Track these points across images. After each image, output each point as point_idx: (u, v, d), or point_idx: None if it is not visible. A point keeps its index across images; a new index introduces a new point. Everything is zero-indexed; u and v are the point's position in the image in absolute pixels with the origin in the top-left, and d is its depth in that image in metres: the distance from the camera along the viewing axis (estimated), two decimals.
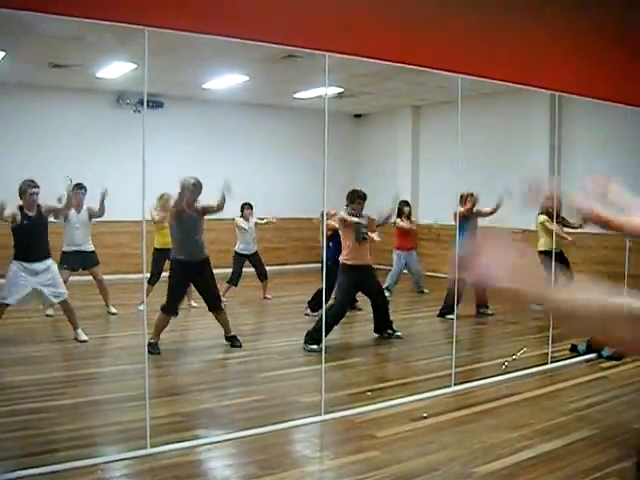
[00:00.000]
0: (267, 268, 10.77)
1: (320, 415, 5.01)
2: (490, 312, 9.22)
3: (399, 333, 7.82)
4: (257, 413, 5.10)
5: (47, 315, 8.51)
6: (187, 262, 6.95)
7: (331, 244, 8.40)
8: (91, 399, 5.37)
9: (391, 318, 7.85)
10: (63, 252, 8.76)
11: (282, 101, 13.66)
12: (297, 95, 12.82)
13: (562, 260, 9.10)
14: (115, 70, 10.12)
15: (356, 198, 7.58)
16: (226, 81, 11.33)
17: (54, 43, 8.48)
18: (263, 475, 3.95)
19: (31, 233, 7.08)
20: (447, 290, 8.95)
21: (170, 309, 6.97)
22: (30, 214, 7.07)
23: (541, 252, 9.21)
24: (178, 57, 9.09)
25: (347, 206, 7.61)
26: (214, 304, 7.26)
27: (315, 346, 6.97)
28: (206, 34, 4.38)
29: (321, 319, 7.05)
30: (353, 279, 7.43)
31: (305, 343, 7.18)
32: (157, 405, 5.01)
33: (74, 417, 4.90)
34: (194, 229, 7.03)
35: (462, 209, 8.83)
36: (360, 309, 9.08)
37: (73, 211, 8.73)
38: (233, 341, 7.36)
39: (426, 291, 11.44)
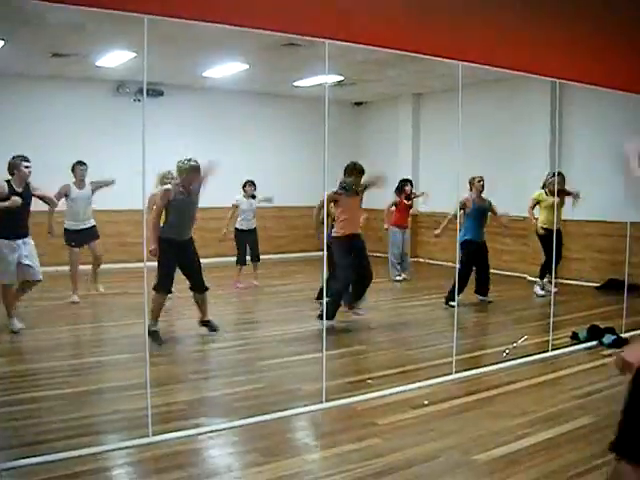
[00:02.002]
0: (268, 256, 10.82)
1: (321, 403, 5.02)
2: (490, 300, 9.20)
3: (362, 312, 7.87)
4: (258, 401, 5.11)
5: (73, 302, 8.85)
6: (175, 241, 6.89)
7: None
8: (92, 388, 5.38)
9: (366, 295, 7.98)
10: (66, 229, 8.89)
11: (282, 89, 13.62)
12: (297, 83, 12.78)
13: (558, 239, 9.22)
14: (115, 59, 10.08)
15: (354, 172, 7.57)
16: (226, 69, 11.29)
17: (54, 32, 8.45)
18: (264, 463, 3.96)
19: (15, 209, 6.89)
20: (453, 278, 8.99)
21: (163, 287, 6.88)
22: (18, 190, 6.99)
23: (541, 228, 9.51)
24: (178, 45, 9.05)
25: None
26: (198, 285, 7.19)
27: (332, 322, 7.44)
28: (206, 22, 4.36)
29: (332, 293, 7.46)
30: (347, 247, 7.54)
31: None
32: (158, 393, 5.02)
33: (75, 406, 4.91)
34: (189, 211, 7.05)
35: (468, 197, 8.92)
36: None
37: (75, 188, 8.85)
38: (209, 326, 7.35)
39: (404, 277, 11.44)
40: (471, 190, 9.08)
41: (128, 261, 10.89)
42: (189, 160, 7.04)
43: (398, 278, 11.25)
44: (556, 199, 8.55)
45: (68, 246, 8.92)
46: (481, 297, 9.24)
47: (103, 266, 9.52)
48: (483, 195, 9.14)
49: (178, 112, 12.88)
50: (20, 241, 7.06)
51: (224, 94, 13.21)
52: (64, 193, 8.78)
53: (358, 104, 15.94)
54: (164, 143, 11.75)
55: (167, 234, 6.90)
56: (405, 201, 11.40)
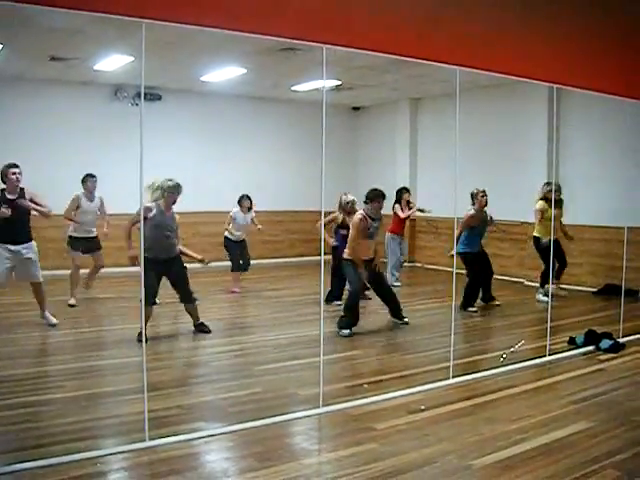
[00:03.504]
0: (265, 261, 10.81)
1: (318, 408, 5.01)
2: (498, 303, 9.35)
3: (406, 319, 8.16)
4: (255, 406, 5.10)
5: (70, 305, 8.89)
6: (157, 259, 6.99)
7: (337, 238, 8.76)
8: (89, 392, 5.37)
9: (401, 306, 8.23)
10: (70, 237, 9.00)
11: (280, 94, 13.62)
12: (295, 88, 12.79)
13: (557, 249, 9.22)
14: (113, 63, 10.07)
15: (378, 197, 7.78)
16: (224, 74, 11.29)
17: (52, 36, 8.44)
18: (261, 468, 3.95)
19: (12, 216, 6.96)
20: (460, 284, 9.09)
21: (146, 301, 6.95)
22: (11, 197, 7.04)
23: (534, 237, 9.64)
24: (176, 50, 9.05)
25: (366, 204, 7.81)
26: (186, 298, 7.50)
27: (346, 331, 7.59)
28: (204, 27, 4.36)
29: (345, 307, 7.80)
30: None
31: (339, 329, 7.64)
32: (155, 398, 5.01)
33: (72, 410, 4.90)
34: (169, 229, 7.22)
35: (473, 211, 8.97)
36: (370, 298, 9.11)
37: (85, 199, 8.93)
38: (201, 327, 7.62)
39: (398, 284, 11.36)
40: (474, 204, 9.08)
41: (126, 265, 10.85)
42: (170, 180, 7.16)
43: (396, 284, 11.21)
44: (553, 211, 8.48)
45: (72, 251, 8.99)
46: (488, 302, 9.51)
47: (102, 270, 9.55)
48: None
49: (176, 116, 12.89)
50: (19, 247, 7.09)
51: (222, 98, 13.21)
52: (76, 205, 8.96)
53: (356, 109, 15.94)
54: (162, 147, 11.80)
55: (146, 253, 6.83)
56: (406, 209, 11.29)
